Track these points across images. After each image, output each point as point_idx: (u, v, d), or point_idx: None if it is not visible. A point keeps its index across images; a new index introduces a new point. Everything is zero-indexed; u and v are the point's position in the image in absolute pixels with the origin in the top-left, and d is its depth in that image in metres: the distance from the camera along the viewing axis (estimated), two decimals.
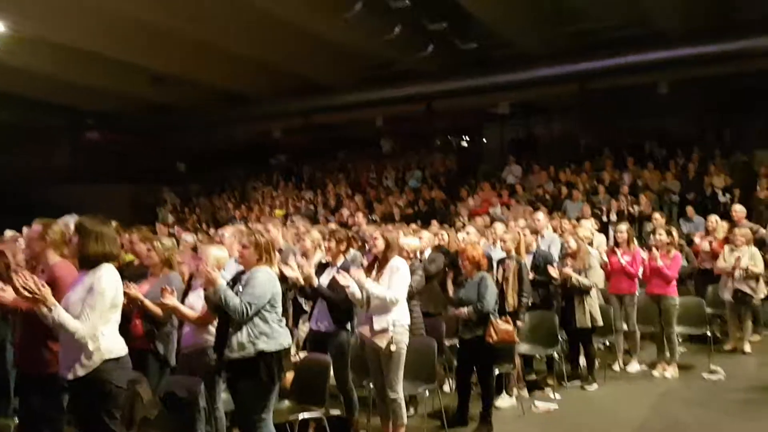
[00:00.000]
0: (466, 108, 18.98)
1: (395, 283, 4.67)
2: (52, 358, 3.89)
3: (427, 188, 16.02)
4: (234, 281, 4.29)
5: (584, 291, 6.25)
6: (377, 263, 4.85)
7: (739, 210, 8.73)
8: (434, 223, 11.14)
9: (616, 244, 6.99)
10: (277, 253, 4.48)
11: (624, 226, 6.99)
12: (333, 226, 9.83)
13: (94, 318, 3.41)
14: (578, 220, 11.83)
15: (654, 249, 6.70)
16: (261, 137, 21.14)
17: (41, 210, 14.18)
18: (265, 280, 4.11)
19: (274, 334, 4.09)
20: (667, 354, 6.78)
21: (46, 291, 3.34)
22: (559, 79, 15.67)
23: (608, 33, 14.48)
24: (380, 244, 4.79)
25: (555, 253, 7.04)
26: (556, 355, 6.24)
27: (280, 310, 4.20)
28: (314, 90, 17.71)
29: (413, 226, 10.12)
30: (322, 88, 17.64)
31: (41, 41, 13.41)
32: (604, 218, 12.08)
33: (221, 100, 18.51)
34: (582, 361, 6.61)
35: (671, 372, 6.72)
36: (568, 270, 6.26)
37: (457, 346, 5.58)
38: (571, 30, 14.36)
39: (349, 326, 5.03)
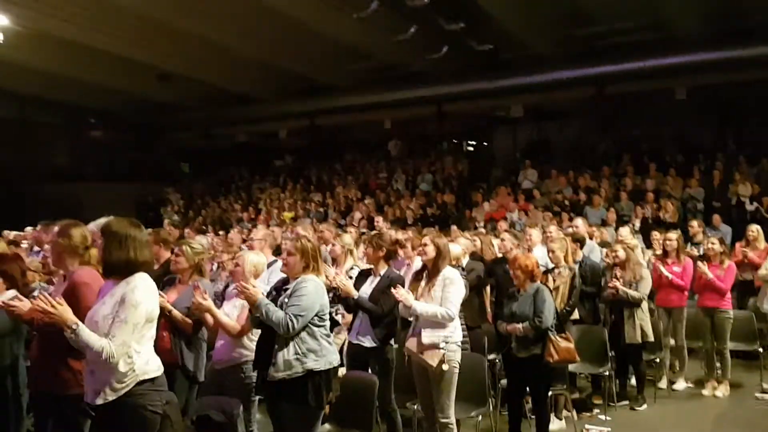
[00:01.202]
0: (478, 111, 18.65)
1: (450, 296, 4.21)
2: (72, 378, 3.46)
3: (438, 192, 15.61)
4: (277, 291, 3.85)
5: (634, 304, 5.81)
6: (426, 273, 4.40)
7: None
8: (454, 228, 10.70)
9: (665, 253, 6.55)
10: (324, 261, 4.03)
11: (674, 235, 6.55)
12: (351, 230, 9.40)
13: (127, 335, 2.96)
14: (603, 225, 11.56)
15: (702, 260, 6.27)
16: (266, 138, 20.76)
17: (41, 209, 13.82)
18: (313, 291, 3.67)
19: (323, 351, 3.66)
20: (718, 371, 6.35)
21: (63, 310, 2.90)
22: (576, 83, 15.38)
23: (625, 36, 14.16)
24: (430, 252, 4.34)
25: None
26: (605, 373, 5.78)
27: (328, 324, 3.77)
28: (320, 91, 17.37)
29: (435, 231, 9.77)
30: (328, 88, 17.29)
31: (45, 36, 13.02)
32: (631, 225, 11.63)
33: (226, 100, 18.14)
34: (630, 378, 6.17)
35: (722, 391, 6.29)
36: (616, 282, 5.82)
37: (502, 363, 5.13)
38: (588, 33, 14.05)
39: (393, 341, 4.59)
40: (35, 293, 4.32)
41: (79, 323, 2.94)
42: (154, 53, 14.60)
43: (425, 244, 4.35)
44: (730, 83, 14.33)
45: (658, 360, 6.45)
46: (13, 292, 3.83)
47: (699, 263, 6.26)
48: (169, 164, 20.53)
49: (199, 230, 13.56)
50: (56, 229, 3.72)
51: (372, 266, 4.74)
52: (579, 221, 7.30)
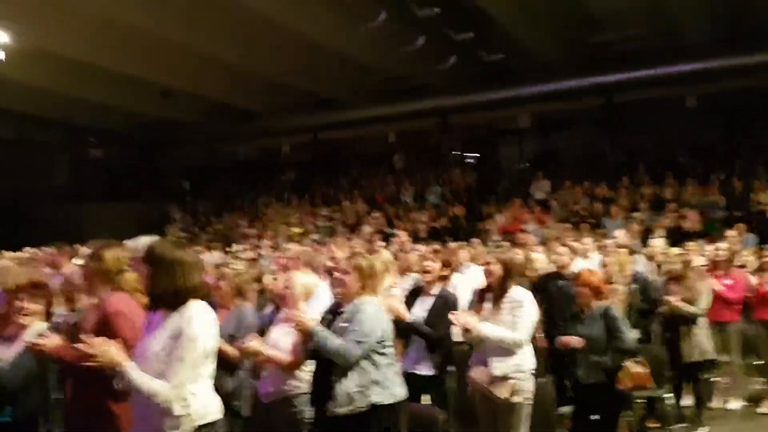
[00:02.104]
0: (485, 122, 18.40)
1: (520, 321, 3.85)
2: (112, 424, 3.06)
3: (448, 205, 15.27)
4: (332, 314, 3.48)
5: (692, 320, 5.46)
6: (492, 294, 4.03)
7: None
8: (474, 242, 10.34)
9: (714, 265, 6.21)
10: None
11: (724, 245, 6.23)
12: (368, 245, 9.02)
13: (184, 374, 2.59)
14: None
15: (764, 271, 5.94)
16: (269, 153, 20.42)
17: (41, 230, 13.39)
18: (374, 314, 3.32)
19: (387, 383, 3.30)
20: None
21: (108, 350, 2.54)
22: (584, 92, 15.16)
23: (634, 43, 13.95)
24: (496, 270, 3.97)
25: None
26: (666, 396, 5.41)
27: (392, 351, 3.40)
28: (324, 105, 17.09)
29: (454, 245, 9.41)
30: (331, 102, 17.01)
31: (44, 54, 12.65)
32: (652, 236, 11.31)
33: (228, 116, 17.80)
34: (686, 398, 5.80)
35: None
36: (671, 298, 5.46)
37: (559, 386, 4.76)
38: (596, 41, 13.82)
39: (450, 368, 4.22)
40: (56, 321, 3.95)
41: (128, 362, 2.57)
42: (155, 69, 14.27)
43: (489, 263, 3.98)
44: (741, 89, 14.13)
45: (713, 379, 6.08)
46: (41, 326, 3.44)
47: (762, 273, 5.92)
48: (171, 182, 20.11)
49: (208, 248, 13.16)
50: (87, 251, 3.35)
51: (425, 284, 4.34)
52: (619, 232, 6.95)
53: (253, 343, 3.59)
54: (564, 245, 5.63)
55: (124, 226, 17.24)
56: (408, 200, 15.86)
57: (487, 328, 3.83)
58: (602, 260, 5.41)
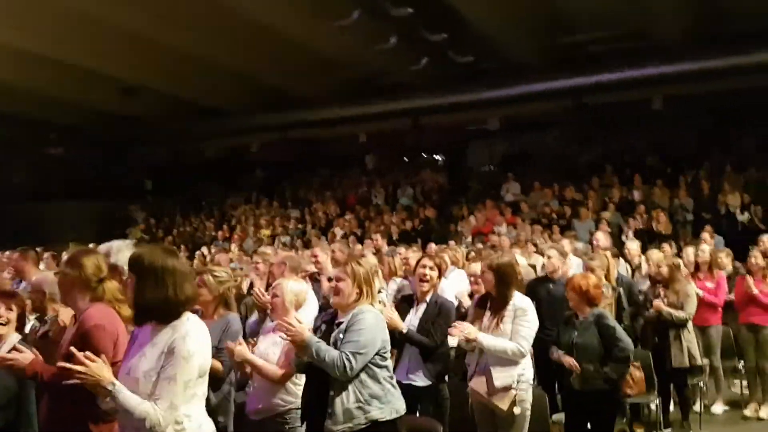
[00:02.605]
0: (455, 124, 18.33)
1: (521, 330, 3.71)
2: None
3: (419, 206, 15.17)
4: (327, 324, 3.30)
5: (680, 325, 5.42)
6: (492, 302, 3.88)
7: None
8: (452, 244, 10.24)
9: (697, 268, 6.20)
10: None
11: (707, 248, 6.22)
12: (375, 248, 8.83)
13: (176, 395, 2.38)
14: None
15: (748, 275, 5.93)
16: (236, 152, 20.03)
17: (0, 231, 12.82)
18: (373, 324, 3.14)
19: (388, 397, 3.13)
20: (760, 392, 6.00)
21: (99, 367, 2.31)
22: (554, 94, 15.20)
23: (604, 45, 14.02)
24: (488, 279, 3.82)
25: None
26: (654, 401, 5.34)
27: (390, 364, 3.24)
28: (294, 103, 16.80)
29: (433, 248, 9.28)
30: (302, 101, 16.75)
31: (2, 46, 12.09)
32: (624, 238, 11.38)
33: (194, 113, 17.38)
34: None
35: (766, 412, 5.94)
36: (659, 303, 5.41)
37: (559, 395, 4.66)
38: (567, 42, 13.85)
39: (446, 378, 4.07)
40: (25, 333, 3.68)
41: (116, 383, 2.35)
42: (119, 65, 13.82)
43: (483, 272, 3.83)
44: (709, 92, 14.32)
45: (701, 383, 6.05)
46: (15, 338, 3.18)
47: (747, 277, 5.91)
48: (134, 181, 19.57)
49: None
50: (65, 257, 3.10)
51: (420, 293, 4.16)
52: (600, 235, 6.90)
53: (241, 348, 3.38)
54: (552, 247, 5.52)
55: (85, 226, 16.76)
56: (379, 202, 15.71)
57: (489, 340, 3.69)
58: (586, 264, 5.31)
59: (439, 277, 4.27)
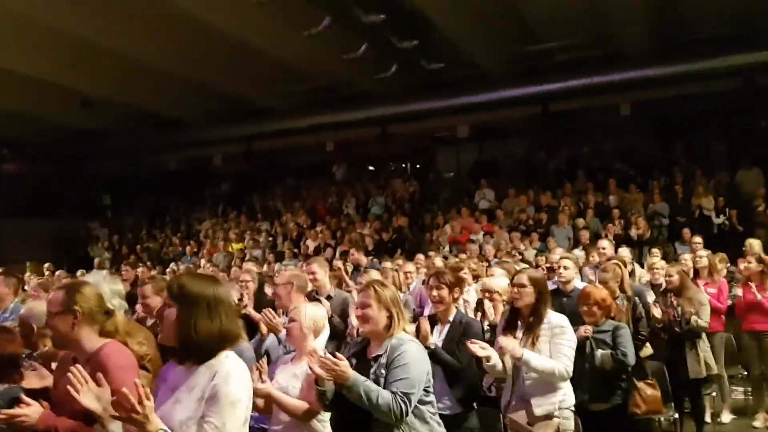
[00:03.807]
0: (423, 132, 18.19)
1: (563, 349, 3.46)
2: None
3: (391, 216, 14.92)
4: (357, 359, 2.98)
5: (696, 335, 5.26)
6: (523, 321, 3.62)
7: None
8: (432, 255, 9.99)
9: (696, 273, 6.09)
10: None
11: (705, 253, 6.11)
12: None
13: None
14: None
15: (749, 281, 5.84)
16: (198, 165, 19.45)
17: None
18: (418, 356, 2.84)
19: None
20: (766, 400, 5.90)
21: (149, 409, 1.97)
22: (521, 101, 15.23)
23: (570, 53, 14.08)
24: (528, 295, 3.56)
25: None
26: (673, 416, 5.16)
27: (434, 398, 2.95)
28: (258, 113, 16.46)
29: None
30: (266, 111, 16.41)
31: None
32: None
33: (155, 125, 16.80)
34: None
35: None
36: (693, 317, 5.23)
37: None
38: (534, 50, 13.86)
39: (475, 405, 3.78)
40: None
41: (164, 428, 2.00)
42: (75, 75, 13.25)
43: (522, 285, 3.56)
44: (675, 98, 14.50)
45: (714, 394, 5.92)
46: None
47: (750, 283, 5.81)
48: (91, 197, 18.77)
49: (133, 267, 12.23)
50: (58, 294, 2.67)
51: (440, 313, 3.86)
52: (605, 242, 6.73)
53: (265, 385, 3.05)
54: (565, 258, 5.30)
55: (40, 244, 15.97)
56: (350, 212, 15.39)
57: (537, 359, 3.41)
58: (600, 277, 5.12)
59: (454, 291, 3.95)
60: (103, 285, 3.63)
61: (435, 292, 3.82)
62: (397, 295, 3.09)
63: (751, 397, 6.25)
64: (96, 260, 13.57)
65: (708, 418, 5.98)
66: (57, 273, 9.80)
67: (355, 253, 9.22)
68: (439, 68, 14.39)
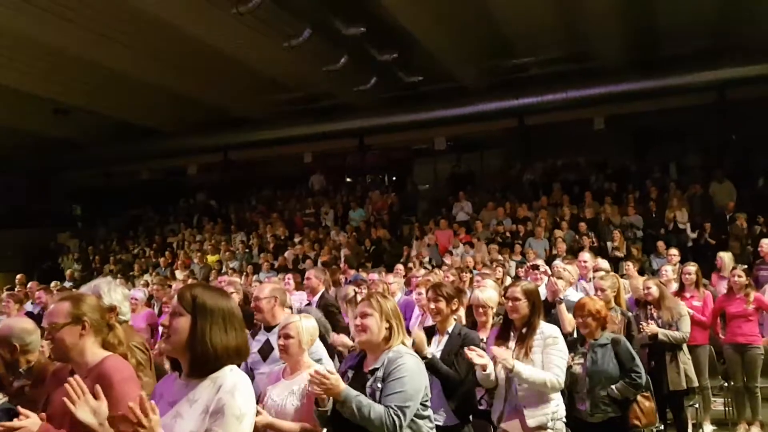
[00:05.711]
0: (401, 143, 18.26)
1: (555, 359, 3.46)
2: None
3: (370, 227, 14.86)
4: (355, 371, 2.93)
5: (676, 346, 5.30)
6: (515, 332, 3.60)
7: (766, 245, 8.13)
8: (411, 265, 9.97)
9: (682, 286, 6.14)
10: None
11: (692, 267, 6.16)
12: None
13: None
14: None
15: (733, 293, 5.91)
16: (172, 175, 19.21)
17: None
18: (416, 369, 2.80)
19: None
20: (748, 412, 5.96)
21: (155, 422, 1.90)
22: (498, 114, 15.40)
23: (546, 68, 14.27)
24: (523, 308, 3.55)
25: None
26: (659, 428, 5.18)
27: (431, 412, 2.90)
28: (234, 123, 16.35)
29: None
30: (242, 121, 16.33)
31: None
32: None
33: (128, 134, 16.55)
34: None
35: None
36: (652, 326, 5.27)
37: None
38: (511, 64, 14.03)
39: (471, 417, 3.74)
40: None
41: None
42: (47, 83, 12.99)
43: (516, 298, 3.55)
44: (649, 112, 14.76)
45: (697, 405, 5.96)
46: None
47: (736, 295, 5.88)
48: (63, 207, 18.39)
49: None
50: (63, 305, 2.56)
51: (438, 324, 3.83)
52: (586, 255, 6.75)
53: (262, 416, 2.98)
54: (562, 269, 5.29)
55: (9, 255, 15.58)
56: (329, 223, 15.30)
57: (529, 370, 3.40)
58: (596, 284, 5.14)
59: (452, 303, 3.92)
60: (117, 289, 3.51)
61: (433, 305, 3.80)
62: (398, 308, 3.05)
63: (731, 408, 6.30)
64: (67, 272, 13.27)
65: (690, 430, 6.04)
66: (29, 284, 9.53)
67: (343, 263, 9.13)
68: (417, 81, 14.54)
